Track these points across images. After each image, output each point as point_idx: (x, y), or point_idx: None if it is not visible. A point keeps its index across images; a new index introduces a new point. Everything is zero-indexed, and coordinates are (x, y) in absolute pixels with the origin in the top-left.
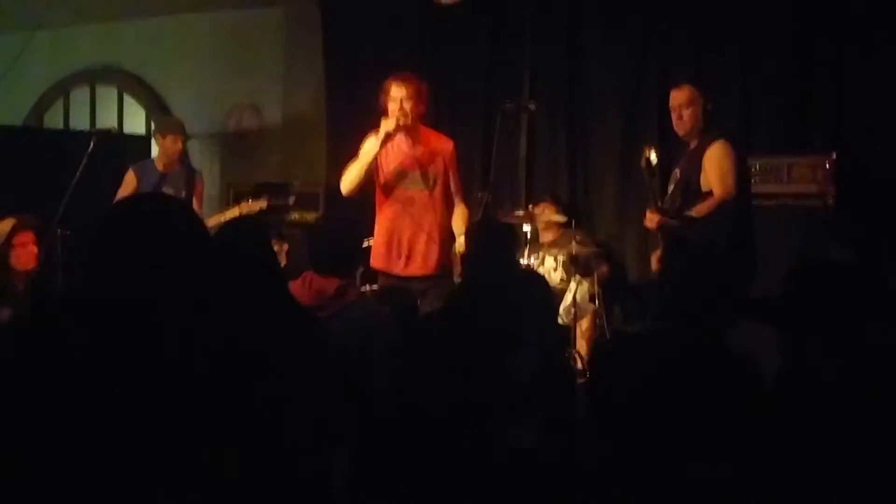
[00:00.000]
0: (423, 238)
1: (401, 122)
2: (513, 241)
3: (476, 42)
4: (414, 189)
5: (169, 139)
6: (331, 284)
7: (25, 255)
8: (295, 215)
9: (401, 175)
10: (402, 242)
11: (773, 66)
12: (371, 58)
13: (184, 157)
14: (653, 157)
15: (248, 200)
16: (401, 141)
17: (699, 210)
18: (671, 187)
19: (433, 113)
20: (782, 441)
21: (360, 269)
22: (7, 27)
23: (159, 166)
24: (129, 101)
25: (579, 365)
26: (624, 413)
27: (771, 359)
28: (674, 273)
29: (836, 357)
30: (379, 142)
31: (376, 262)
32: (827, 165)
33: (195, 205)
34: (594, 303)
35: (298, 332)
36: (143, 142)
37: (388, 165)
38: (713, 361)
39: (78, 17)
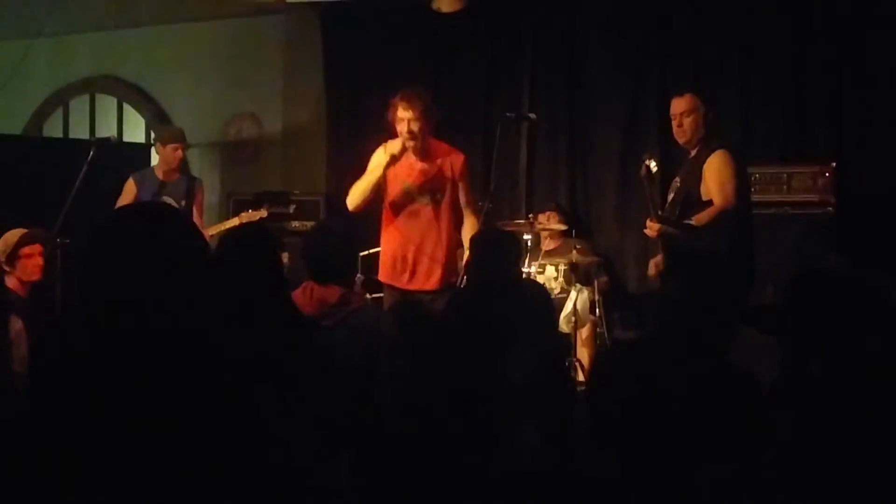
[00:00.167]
0: (425, 258)
1: (408, 146)
2: (514, 250)
3: (476, 51)
4: (420, 202)
5: (169, 148)
6: (333, 293)
7: (32, 266)
8: (295, 224)
9: (407, 189)
10: (406, 258)
11: (773, 75)
12: (371, 67)
13: (184, 165)
14: (653, 165)
15: (248, 210)
16: (408, 155)
17: (699, 219)
18: (671, 196)
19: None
20: (779, 449)
21: (360, 278)
22: (7, 36)
23: (159, 175)
24: (128, 110)
25: (580, 373)
26: (624, 421)
27: (769, 368)
28: (675, 282)
29: (834, 367)
30: (385, 163)
31: (382, 275)
32: (827, 174)
33: (195, 213)
34: (594, 312)
35: (299, 340)
36: (142, 151)
37: (395, 179)
38: (713, 370)
39: (77, 27)
